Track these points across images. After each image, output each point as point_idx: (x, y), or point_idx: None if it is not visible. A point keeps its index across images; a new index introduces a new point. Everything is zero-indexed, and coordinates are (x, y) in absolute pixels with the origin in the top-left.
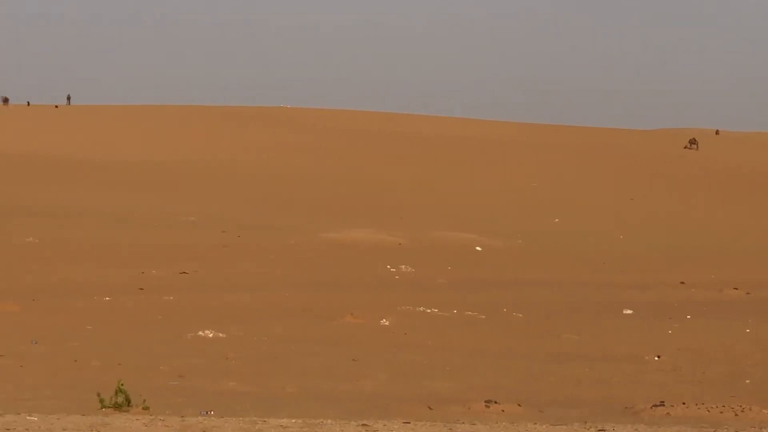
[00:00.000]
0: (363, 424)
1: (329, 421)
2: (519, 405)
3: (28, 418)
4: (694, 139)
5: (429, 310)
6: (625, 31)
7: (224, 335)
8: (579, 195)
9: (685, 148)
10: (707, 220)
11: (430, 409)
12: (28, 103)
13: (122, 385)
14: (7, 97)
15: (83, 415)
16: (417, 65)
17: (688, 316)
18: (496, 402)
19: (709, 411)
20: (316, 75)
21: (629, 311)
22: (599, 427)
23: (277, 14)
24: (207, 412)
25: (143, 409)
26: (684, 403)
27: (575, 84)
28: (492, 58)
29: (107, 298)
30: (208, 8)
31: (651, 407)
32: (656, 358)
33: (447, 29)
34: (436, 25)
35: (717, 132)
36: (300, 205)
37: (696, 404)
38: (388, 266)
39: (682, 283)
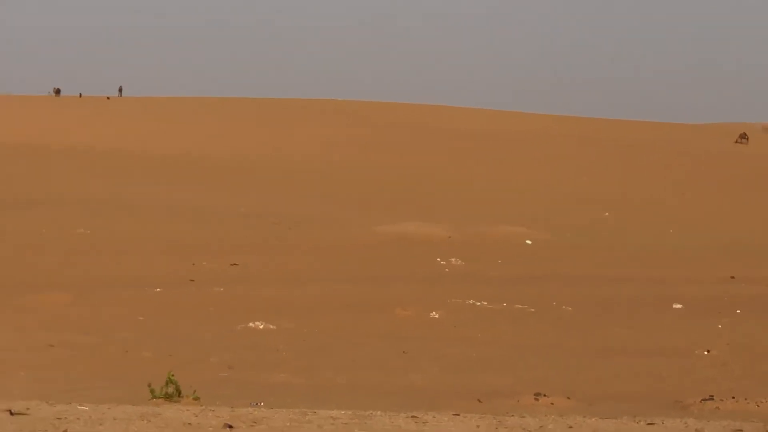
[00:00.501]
0: (412, 416)
1: (379, 412)
2: (568, 398)
3: (79, 407)
4: (744, 133)
5: (479, 303)
6: (673, 23)
7: (275, 327)
8: (629, 189)
9: (736, 142)
10: (758, 215)
11: (480, 401)
12: (80, 94)
13: (173, 375)
14: (59, 88)
15: (134, 405)
16: (470, 58)
17: (738, 311)
18: (545, 395)
19: (758, 405)
20: (368, 67)
21: (679, 305)
22: (648, 421)
23: (329, 4)
24: (257, 404)
25: (193, 399)
26: (733, 398)
27: (625, 77)
28: (542, 50)
29: (158, 290)
30: None
31: (700, 401)
32: (706, 353)
33: (496, 21)
34: (483, 17)
35: (766, 127)
36: (351, 198)
37: (745, 399)
38: (439, 259)
39: (732, 278)
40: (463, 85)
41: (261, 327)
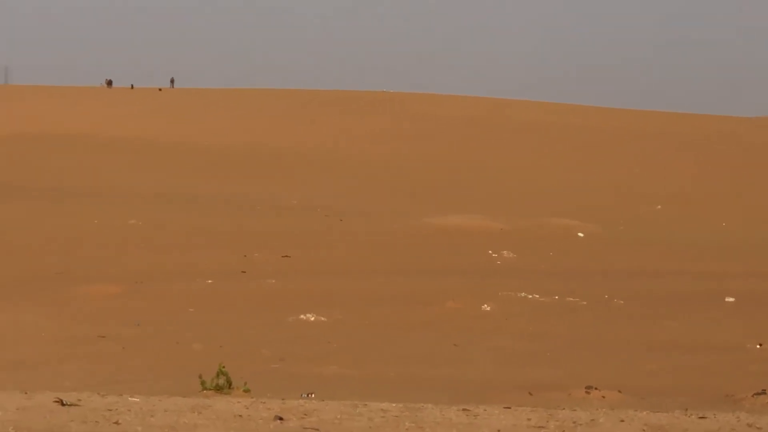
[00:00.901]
0: (463, 409)
1: (430, 405)
2: (619, 392)
3: (130, 399)
4: None
5: (530, 296)
6: (733, 16)
7: (326, 319)
8: (682, 183)
9: None
10: None
11: (531, 394)
12: (132, 86)
13: (223, 367)
14: (111, 80)
15: (185, 396)
16: (521, 49)
17: None
18: (596, 388)
19: None
20: (420, 60)
21: (731, 299)
22: (700, 415)
23: None
24: (308, 395)
25: (244, 391)
26: None
27: (678, 70)
28: (596, 42)
29: (209, 281)
30: None
31: (752, 395)
32: (758, 346)
33: (555, 15)
34: (543, 11)
35: None
36: (402, 191)
37: None
38: (490, 252)
39: None
40: (516, 77)
41: (312, 319)
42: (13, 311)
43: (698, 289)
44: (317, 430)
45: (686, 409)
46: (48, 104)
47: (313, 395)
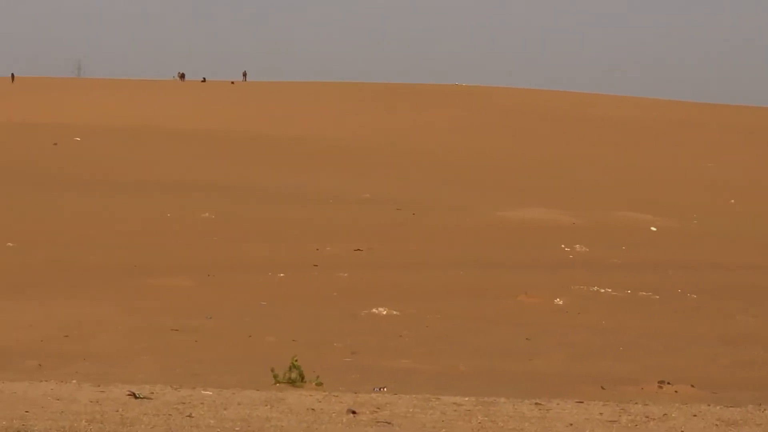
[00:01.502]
0: (536, 403)
1: (502, 399)
2: (692, 386)
3: (203, 392)
4: None
5: (603, 290)
6: None
7: (398, 313)
8: (755, 176)
9: None
10: None
11: (603, 389)
12: (204, 79)
13: (296, 360)
14: (184, 73)
15: (257, 390)
16: (597, 44)
17: None
18: (669, 383)
19: None
20: (490, 53)
21: None
22: None
23: None
24: (380, 389)
25: (317, 385)
26: None
27: (753, 63)
28: (668, 36)
29: (282, 275)
30: None
31: None
32: None
33: (627, 8)
34: (615, 6)
35: None
36: (474, 184)
37: None
38: (563, 245)
39: None
40: (589, 71)
41: (384, 312)
42: (88, 304)
43: None
44: (390, 423)
45: (760, 404)
46: (120, 97)
47: (385, 389)
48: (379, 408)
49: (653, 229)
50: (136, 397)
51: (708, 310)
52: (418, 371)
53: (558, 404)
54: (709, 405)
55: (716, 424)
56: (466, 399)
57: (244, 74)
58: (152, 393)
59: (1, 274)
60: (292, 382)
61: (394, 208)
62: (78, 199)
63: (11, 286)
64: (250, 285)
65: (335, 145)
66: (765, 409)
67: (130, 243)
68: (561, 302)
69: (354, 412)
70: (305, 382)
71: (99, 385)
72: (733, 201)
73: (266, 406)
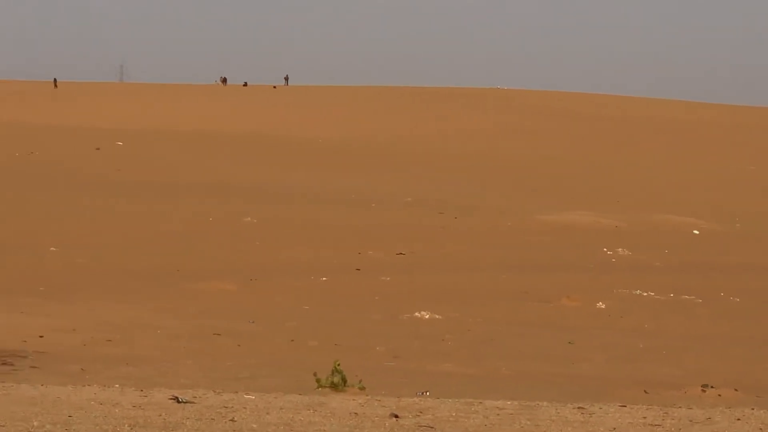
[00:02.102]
0: (579, 407)
1: (545, 403)
2: (736, 390)
3: (245, 396)
4: None
5: (645, 294)
6: None
7: (440, 317)
8: None
9: None
10: None
11: (646, 392)
12: (245, 83)
13: (338, 365)
14: (225, 77)
15: (300, 394)
16: (631, 47)
17: None
18: (712, 386)
19: None
20: (529, 56)
21: None
22: None
23: None
24: (423, 393)
25: (359, 389)
26: None
27: None
28: (710, 38)
29: (324, 279)
30: None
31: None
32: None
33: (664, 9)
34: (652, 6)
35: None
36: (516, 187)
37: None
38: (605, 249)
39: None
40: (626, 73)
41: (426, 316)
42: (131, 308)
43: None
44: (432, 428)
45: None
46: (162, 102)
47: (428, 393)
48: (421, 412)
49: (696, 232)
50: (178, 402)
51: (751, 313)
52: (460, 375)
53: (601, 408)
54: (752, 409)
55: (760, 428)
56: (509, 403)
57: (286, 78)
58: (195, 397)
59: (45, 278)
60: (334, 386)
61: (436, 211)
62: (120, 203)
63: (55, 290)
64: (292, 289)
65: (377, 148)
66: None
67: (172, 247)
68: (603, 306)
69: (396, 417)
70: (348, 386)
71: (141, 390)
72: None
73: (309, 410)
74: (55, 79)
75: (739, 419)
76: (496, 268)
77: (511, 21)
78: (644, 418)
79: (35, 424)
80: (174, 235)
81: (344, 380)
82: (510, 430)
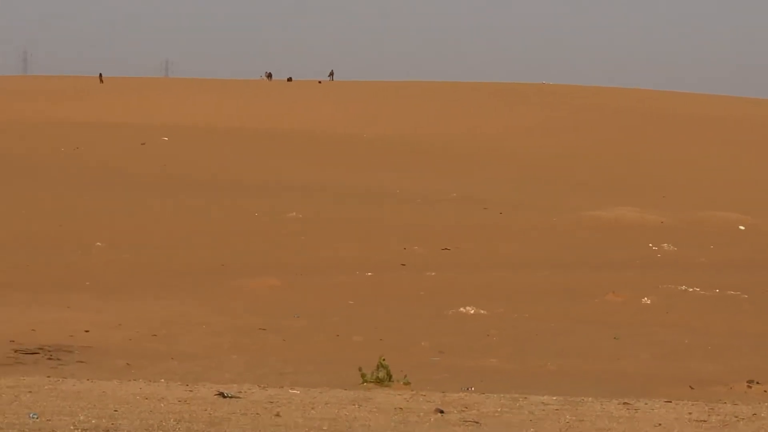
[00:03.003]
0: (624, 403)
1: (590, 399)
2: None
3: (290, 391)
4: None
5: (691, 290)
6: None
7: (485, 312)
8: None
9: None
10: None
11: (692, 388)
12: (290, 78)
13: (384, 360)
14: (271, 72)
15: (345, 389)
16: (681, 43)
17: None
18: (758, 383)
19: None
20: (576, 52)
21: None
22: None
23: None
24: (468, 388)
25: (404, 384)
26: None
27: None
28: (757, 36)
29: (369, 274)
30: None
31: None
32: None
33: (726, 12)
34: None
35: None
36: (561, 183)
37: None
38: (650, 245)
39: None
40: (678, 69)
41: (471, 312)
42: (176, 303)
43: None
44: (478, 423)
45: None
46: (207, 97)
47: (473, 388)
48: (466, 407)
49: (741, 228)
50: (224, 397)
51: None
52: (505, 370)
53: (646, 404)
54: None
55: None
56: (554, 398)
57: (331, 73)
58: (240, 392)
59: (91, 275)
60: (379, 382)
61: (481, 207)
62: (166, 199)
63: (100, 287)
64: (337, 284)
65: (421, 144)
66: None
67: (217, 243)
68: (649, 301)
69: (442, 412)
70: (393, 381)
71: (187, 385)
72: None
73: (354, 405)
74: (100, 74)
75: None
76: (541, 264)
77: (555, 17)
78: (689, 414)
79: (81, 418)
80: (219, 231)
81: (389, 375)
82: (555, 426)
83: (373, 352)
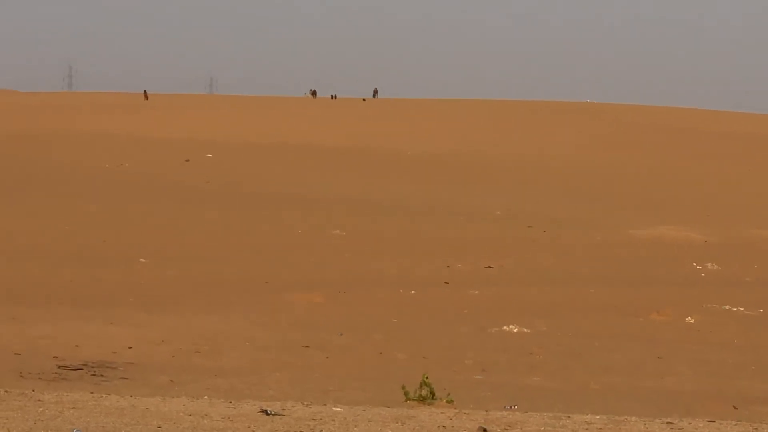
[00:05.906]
0: (668, 422)
1: (633, 418)
2: None
3: (333, 408)
4: None
5: (735, 309)
6: None
7: (529, 330)
8: None
9: None
10: None
11: (735, 408)
12: (334, 96)
13: (427, 378)
14: (315, 90)
15: (388, 407)
16: (724, 62)
17: None
18: None
19: None
20: (622, 70)
21: None
22: None
23: (584, 7)
24: (511, 407)
25: (447, 402)
26: None
27: None
28: None
29: (412, 291)
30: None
31: None
32: None
33: (756, 23)
34: (742, 20)
35: None
36: (605, 201)
37: None
38: (694, 263)
39: None
40: (729, 89)
41: (515, 330)
42: (220, 319)
43: None
44: None
45: None
46: (252, 114)
47: (516, 407)
48: (509, 426)
49: None
50: (267, 414)
51: None
52: (548, 389)
53: (689, 423)
54: None
55: None
56: (597, 417)
57: (375, 91)
58: (283, 409)
59: (134, 289)
60: (422, 400)
61: (525, 224)
62: (209, 215)
63: (144, 302)
64: (380, 301)
65: (466, 161)
66: None
67: (260, 258)
68: (692, 320)
69: (485, 430)
70: (436, 399)
71: (230, 401)
72: None
73: (397, 423)
74: (145, 91)
75: None
76: (585, 282)
77: (599, 36)
78: None
79: None
80: (262, 247)
81: (432, 393)
82: None
83: (417, 370)
